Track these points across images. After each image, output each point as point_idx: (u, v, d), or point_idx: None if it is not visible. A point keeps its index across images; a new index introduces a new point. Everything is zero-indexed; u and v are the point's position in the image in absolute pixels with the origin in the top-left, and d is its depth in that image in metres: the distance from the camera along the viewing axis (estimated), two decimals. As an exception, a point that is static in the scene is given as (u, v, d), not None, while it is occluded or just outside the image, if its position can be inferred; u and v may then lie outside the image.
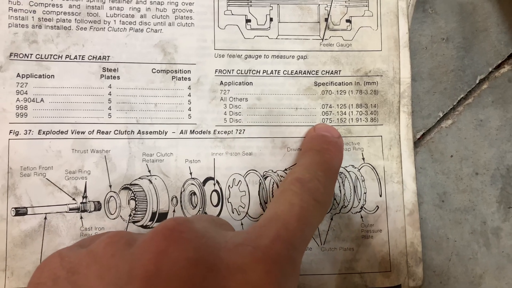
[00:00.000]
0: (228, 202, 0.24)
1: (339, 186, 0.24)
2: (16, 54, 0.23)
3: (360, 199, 0.24)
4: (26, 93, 0.23)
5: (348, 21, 0.25)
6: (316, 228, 0.19)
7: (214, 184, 0.24)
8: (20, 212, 0.22)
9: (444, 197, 0.25)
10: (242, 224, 0.24)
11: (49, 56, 0.23)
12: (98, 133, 0.23)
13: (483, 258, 0.25)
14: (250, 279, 0.14)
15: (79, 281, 0.14)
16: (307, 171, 0.20)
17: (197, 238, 0.15)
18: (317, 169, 0.20)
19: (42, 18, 0.23)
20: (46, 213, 0.22)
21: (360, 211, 0.24)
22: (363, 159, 0.24)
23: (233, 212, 0.24)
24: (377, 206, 0.24)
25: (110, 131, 0.23)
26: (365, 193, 0.24)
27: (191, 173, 0.24)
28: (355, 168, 0.24)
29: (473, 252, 0.25)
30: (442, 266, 0.25)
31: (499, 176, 0.25)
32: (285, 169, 0.24)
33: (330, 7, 0.25)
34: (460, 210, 0.25)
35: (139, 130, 0.23)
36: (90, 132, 0.23)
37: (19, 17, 0.23)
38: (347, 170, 0.24)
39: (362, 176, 0.24)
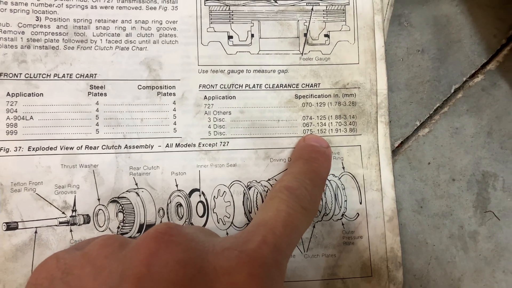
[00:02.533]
0: (214, 212, 0.24)
1: (321, 195, 0.25)
2: (5, 74, 0.24)
3: (341, 207, 0.25)
4: (16, 111, 0.24)
5: (326, 35, 0.26)
6: (302, 233, 0.20)
7: (200, 195, 0.24)
8: (11, 226, 0.23)
9: (422, 203, 0.26)
10: (227, 233, 0.24)
11: (38, 75, 0.24)
12: (87, 149, 0.24)
13: (461, 261, 0.26)
14: (235, 281, 0.14)
15: (73, 282, 0.15)
16: (295, 179, 0.21)
17: (187, 242, 0.15)
18: (305, 178, 0.21)
19: (31, 38, 0.24)
20: (36, 227, 0.23)
21: (341, 219, 0.25)
22: (343, 168, 0.25)
23: (218, 222, 0.24)
24: (358, 213, 0.25)
25: (98, 146, 0.24)
26: (346, 201, 0.25)
27: (177, 185, 0.24)
28: (336, 176, 0.25)
29: (452, 255, 0.26)
30: (422, 270, 0.26)
31: (475, 182, 0.26)
32: (268, 179, 0.25)
33: (309, 23, 0.26)
34: (438, 215, 0.26)
35: (126, 145, 0.24)
36: (78, 148, 0.24)
37: (8, 38, 0.24)
38: (328, 179, 0.25)
39: (342, 184, 0.25)
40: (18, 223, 0.23)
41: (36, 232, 0.23)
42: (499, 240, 0.26)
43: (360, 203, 0.25)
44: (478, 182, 0.26)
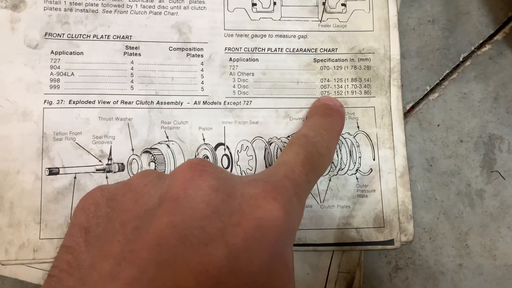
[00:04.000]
0: (237, 165, 0.26)
1: (337, 151, 0.27)
2: (50, 34, 0.26)
3: (355, 163, 0.27)
4: (59, 68, 0.26)
5: (343, 4, 0.28)
6: (319, 176, 0.22)
7: (225, 149, 0.26)
8: (53, 171, 0.25)
9: (432, 162, 0.28)
10: (249, 184, 0.26)
11: (79, 35, 0.26)
12: (122, 103, 0.26)
13: (468, 217, 0.27)
14: (260, 203, 0.16)
15: (116, 205, 0.17)
16: (311, 129, 0.23)
17: (218, 172, 0.17)
18: (320, 128, 0.23)
19: (73, 2, 0.26)
20: (75, 173, 0.25)
21: (355, 173, 0.27)
22: (358, 127, 0.27)
23: (241, 174, 0.26)
24: (371, 168, 0.27)
25: (132, 101, 0.26)
26: (360, 157, 0.27)
27: (204, 139, 0.26)
28: (351, 135, 0.27)
29: (459, 211, 0.27)
30: (431, 224, 0.27)
31: (481, 143, 0.28)
32: (288, 136, 0.27)
33: (327, -7, 0.28)
34: (446, 173, 0.28)
35: (158, 101, 0.26)
36: (114, 102, 0.26)
37: (53, 1, 0.26)
38: (343, 137, 0.27)
39: (357, 142, 0.27)
40: (59, 168, 0.25)
41: (75, 177, 0.25)
42: (504, 198, 0.28)
43: (374, 159, 0.27)
44: (484, 144, 0.28)
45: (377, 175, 0.27)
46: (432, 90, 0.29)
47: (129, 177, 0.19)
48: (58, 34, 0.26)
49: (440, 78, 0.29)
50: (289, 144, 0.22)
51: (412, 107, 0.28)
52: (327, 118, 0.25)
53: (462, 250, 0.27)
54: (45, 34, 0.26)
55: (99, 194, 0.17)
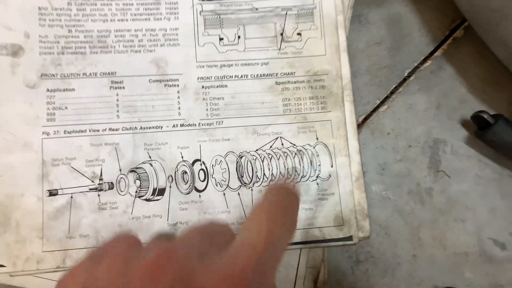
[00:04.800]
0: (213, 177, 0.30)
1: (299, 161, 0.31)
2: (45, 74, 0.30)
3: (315, 170, 0.31)
4: (54, 103, 0.30)
5: (299, 34, 0.32)
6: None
7: (201, 164, 0.30)
8: (52, 193, 0.29)
9: (384, 166, 0.32)
10: (224, 194, 0.30)
11: (71, 74, 0.30)
12: (110, 130, 0.30)
13: (419, 212, 0.31)
14: None
15: None
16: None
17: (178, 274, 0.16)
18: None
19: (65, 46, 0.30)
20: (72, 193, 0.29)
21: (316, 179, 0.31)
22: (317, 138, 0.31)
23: (216, 185, 0.30)
24: (330, 174, 0.31)
25: (118, 128, 0.30)
26: (320, 165, 0.31)
27: (182, 157, 0.30)
28: (311, 146, 0.31)
29: (411, 208, 0.31)
30: (386, 221, 0.31)
31: (428, 147, 0.32)
32: (256, 150, 0.31)
33: (284, 25, 0.32)
34: (398, 175, 0.32)
35: (141, 126, 0.30)
36: (103, 130, 0.30)
37: (47, 47, 0.30)
38: (304, 148, 0.31)
39: (316, 152, 0.31)
40: (58, 190, 0.29)
41: (71, 197, 0.29)
42: (450, 194, 0.31)
43: (332, 166, 0.31)
44: (430, 147, 0.32)
45: (335, 180, 0.31)
46: (381, 103, 0.33)
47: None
48: (53, 74, 0.30)
49: (388, 92, 0.33)
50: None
51: (365, 119, 0.32)
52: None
53: (416, 243, 0.31)
54: (41, 75, 0.30)
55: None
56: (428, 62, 0.33)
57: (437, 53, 0.33)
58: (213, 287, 0.16)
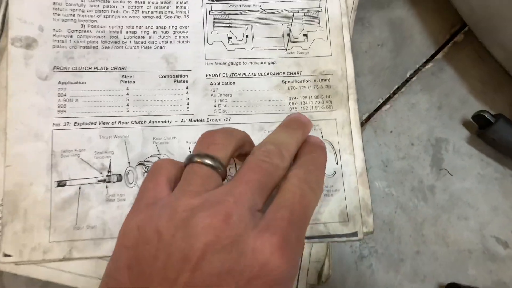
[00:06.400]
0: (219, 172, 0.31)
1: (305, 157, 0.31)
2: (57, 67, 0.31)
3: (321, 166, 0.31)
4: (65, 95, 0.30)
5: (305, 35, 0.33)
6: (313, 210, 0.23)
7: (208, 159, 0.31)
8: (61, 184, 0.29)
9: (387, 163, 0.32)
10: (230, 188, 0.30)
11: (82, 67, 0.31)
12: (119, 123, 0.31)
13: (422, 209, 0.32)
14: (269, 260, 0.18)
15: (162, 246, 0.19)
16: (301, 167, 0.24)
17: (231, 228, 0.19)
18: (309, 164, 0.25)
19: (77, 40, 0.31)
20: (80, 184, 0.29)
21: (322, 175, 0.31)
22: (322, 136, 0.32)
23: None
24: (335, 171, 0.31)
25: (128, 122, 0.31)
26: (325, 161, 0.31)
27: (190, 152, 0.31)
28: (316, 143, 0.32)
29: (414, 205, 0.32)
30: (390, 217, 0.31)
31: (430, 146, 0.33)
32: (262, 146, 0.31)
33: (291, 26, 0.33)
34: (401, 172, 0.32)
35: (150, 120, 0.31)
36: (113, 123, 0.30)
37: (60, 40, 0.31)
38: (310, 145, 0.31)
39: (322, 148, 0.31)
40: (66, 181, 0.29)
41: (80, 188, 0.29)
42: (452, 192, 0.32)
43: (337, 163, 0.31)
44: (432, 146, 0.33)
45: (340, 177, 0.31)
46: (384, 102, 0.33)
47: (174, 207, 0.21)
48: (65, 67, 0.31)
49: (391, 92, 0.34)
50: (284, 183, 0.23)
51: (368, 117, 0.33)
52: (311, 154, 0.26)
53: (419, 239, 0.31)
54: (54, 68, 0.31)
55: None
56: (430, 64, 0.34)
57: (438, 56, 0.34)
58: (261, 245, 0.19)
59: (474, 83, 0.33)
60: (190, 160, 0.23)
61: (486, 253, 0.31)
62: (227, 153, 0.23)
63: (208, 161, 0.22)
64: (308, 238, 0.30)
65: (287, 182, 0.23)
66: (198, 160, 0.23)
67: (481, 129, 0.31)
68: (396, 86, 0.34)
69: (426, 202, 0.32)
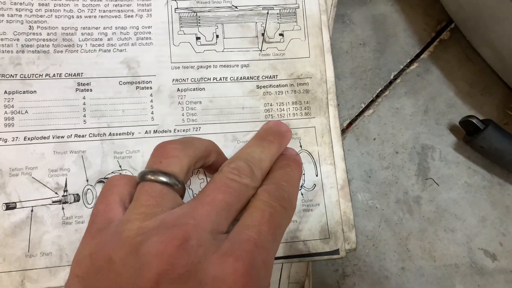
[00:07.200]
0: (189, 188, 0.28)
1: (282, 169, 0.29)
2: (3, 75, 0.27)
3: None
4: (13, 107, 0.27)
5: (281, 34, 0.31)
6: (284, 230, 0.23)
7: (176, 174, 0.28)
8: (10, 206, 0.26)
9: (370, 173, 0.30)
10: (201, 205, 0.28)
11: (32, 75, 0.28)
12: (75, 137, 0.27)
13: (408, 222, 0.30)
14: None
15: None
16: (271, 182, 0.23)
17: (190, 252, 0.18)
18: (281, 180, 0.23)
19: (25, 44, 0.28)
20: (32, 206, 0.26)
21: (300, 189, 0.29)
22: (301, 146, 0.29)
23: (193, 197, 0.28)
24: (314, 184, 0.29)
25: (85, 135, 0.28)
26: (304, 174, 0.29)
27: (156, 166, 0.28)
28: (294, 153, 0.29)
29: (399, 218, 0.30)
30: (373, 231, 0.29)
31: (415, 154, 0.31)
32: (236, 158, 0.29)
33: (266, 24, 0.31)
34: (385, 183, 0.30)
35: (110, 132, 0.28)
36: (68, 136, 0.27)
37: (5, 44, 0.27)
38: (287, 156, 0.29)
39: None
40: (16, 203, 0.26)
41: (32, 210, 0.26)
42: (439, 203, 0.30)
43: (316, 175, 0.29)
44: (418, 154, 0.31)
45: (320, 190, 0.29)
46: (367, 107, 0.31)
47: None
48: (11, 75, 0.27)
49: (374, 96, 0.31)
50: (253, 199, 0.22)
51: (349, 124, 0.31)
52: (285, 168, 0.25)
53: (404, 254, 0.29)
54: (-2, 76, 0.27)
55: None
56: (415, 65, 0.32)
57: (424, 55, 0.32)
58: (222, 272, 0.17)
59: (461, 84, 0.31)
60: (142, 178, 0.21)
61: (474, 267, 0.29)
62: (183, 167, 0.21)
63: (162, 178, 0.20)
64: (287, 257, 0.28)
65: (256, 199, 0.21)
66: (151, 177, 0.20)
67: (469, 135, 0.29)
68: (380, 89, 0.31)
69: (411, 215, 0.30)
